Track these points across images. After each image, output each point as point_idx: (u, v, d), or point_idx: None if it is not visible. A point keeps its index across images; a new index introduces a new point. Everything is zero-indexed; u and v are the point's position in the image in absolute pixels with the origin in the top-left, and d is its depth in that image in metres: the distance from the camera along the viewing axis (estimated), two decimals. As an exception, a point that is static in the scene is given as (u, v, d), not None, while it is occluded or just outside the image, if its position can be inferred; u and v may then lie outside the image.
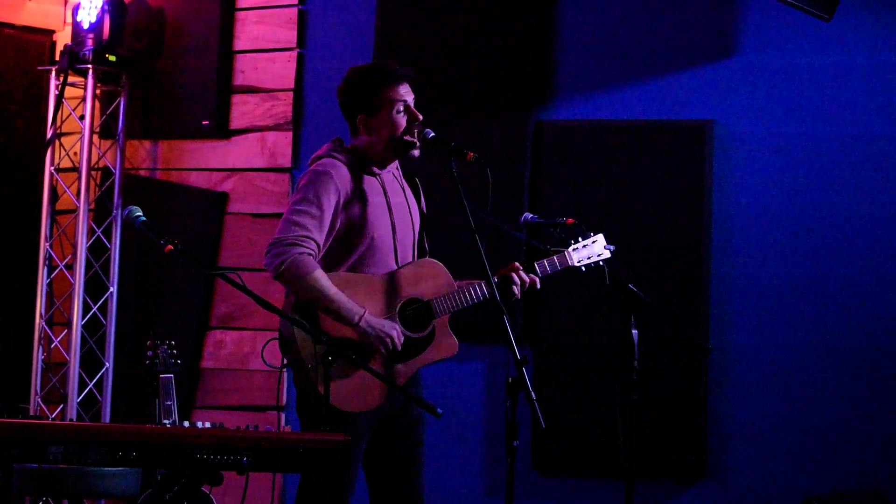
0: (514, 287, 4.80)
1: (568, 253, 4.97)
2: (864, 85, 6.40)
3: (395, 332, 4.69)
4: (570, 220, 5.03)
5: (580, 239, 5.01)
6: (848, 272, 6.36)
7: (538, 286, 4.85)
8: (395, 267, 4.81)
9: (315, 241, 4.65)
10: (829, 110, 6.42)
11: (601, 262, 5.02)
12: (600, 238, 5.03)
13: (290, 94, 7.08)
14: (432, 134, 4.77)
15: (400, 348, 4.70)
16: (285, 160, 7.03)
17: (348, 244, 4.76)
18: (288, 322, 4.62)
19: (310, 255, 4.63)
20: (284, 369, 4.75)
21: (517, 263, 4.83)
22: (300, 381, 4.69)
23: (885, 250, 6.33)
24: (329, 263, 4.74)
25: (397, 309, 4.76)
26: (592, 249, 5.02)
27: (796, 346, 6.38)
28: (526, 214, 5.18)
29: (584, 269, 5.01)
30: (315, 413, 4.60)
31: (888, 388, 6.27)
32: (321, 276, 4.62)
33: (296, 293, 4.66)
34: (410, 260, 4.88)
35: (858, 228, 6.36)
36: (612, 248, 5.04)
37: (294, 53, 7.11)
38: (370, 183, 4.81)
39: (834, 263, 6.37)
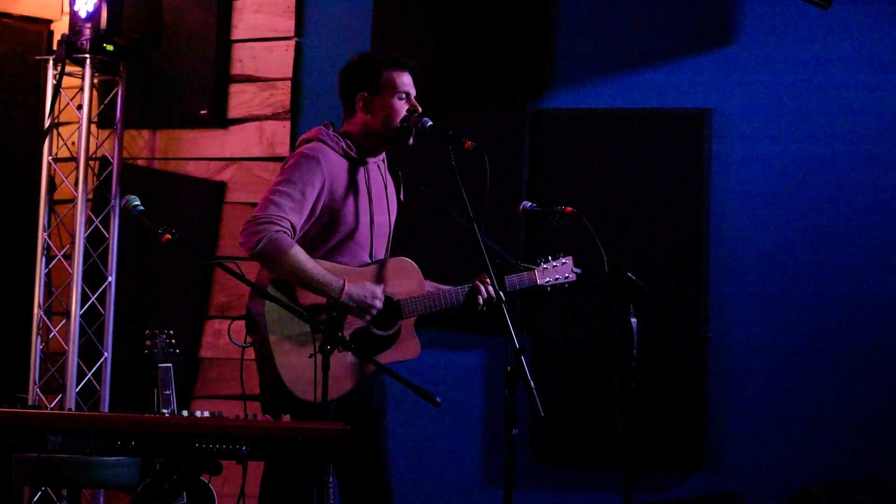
0: (481, 298, 4.84)
1: (537, 272, 5.07)
2: (862, 73, 6.40)
3: (378, 299, 4.68)
4: (569, 209, 5.04)
5: (550, 259, 5.11)
6: (847, 260, 6.36)
7: (504, 299, 4.85)
8: (368, 260, 4.81)
9: (290, 222, 4.64)
10: (826, 98, 6.42)
11: (566, 285, 5.14)
12: (569, 260, 5.15)
13: (288, 83, 7.08)
14: (430, 123, 4.75)
15: (381, 307, 4.69)
16: (283, 149, 7.03)
17: (326, 232, 4.75)
18: (258, 301, 4.60)
19: (285, 233, 4.61)
20: (246, 349, 4.71)
21: (485, 276, 4.83)
22: (262, 365, 4.68)
23: (885, 238, 6.33)
24: (305, 249, 4.70)
25: None
26: (560, 271, 5.13)
27: (795, 335, 6.39)
28: (525, 203, 5.18)
29: (549, 289, 5.13)
30: (273, 400, 4.62)
31: (887, 376, 6.28)
32: (299, 252, 4.61)
33: (273, 271, 4.64)
34: (384, 253, 4.88)
35: (857, 216, 6.36)
36: (579, 271, 5.15)
37: (292, 42, 7.10)
38: (355, 171, 4.79)
39: (833, 252, 6.37)
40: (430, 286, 4.88)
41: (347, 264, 4.75)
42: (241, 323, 4.76)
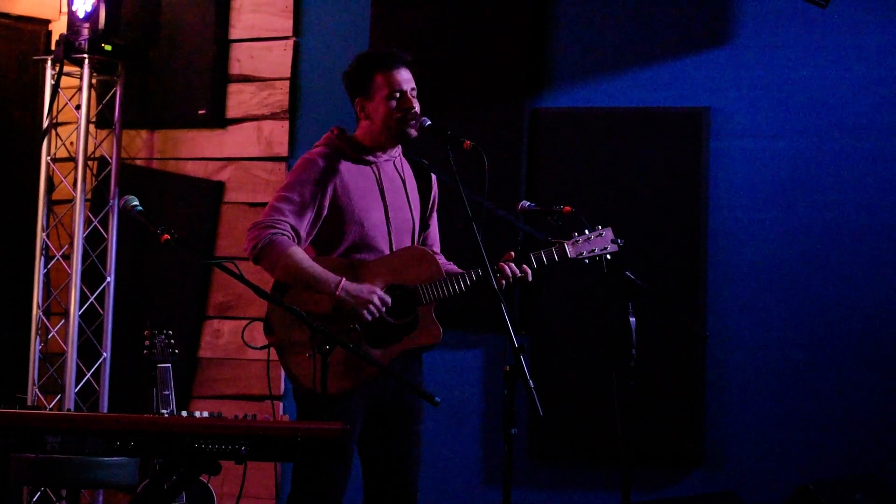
0: (504, 281, 4.74)
1: (567, 245, 4.85)
2: (859, 71, 6.40)
3: (376, 295, 4.66)
4: (568, 208, 4.99)
5: (586, 231, 4.88)
6: (845, 258, 6.36)
7: (529, 278, 4.77)
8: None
9: (291, 225, 4.67)
10: (824, 97, 6.42)
11: (608, 256, 4.88)
12: (607, 232, 4.90)
13: (287, 82, 7.08)
14: (429, 122, 4.74)
15: (384, 309, 4.68)
16: (281, 149, 7.03)
17: (338, 231, 4.76)
18: (275, 306, 4.64)
19: (284, 235, 4.65)
20: (267, 350, 4.74)
21: (511, 254, 4.80)
22: (281, 364, 4.73)
23: (882, 236, 6.33)
24: (320, 251, 4.75)
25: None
26: (597, 242, 4.88)
27: (793, 333, 6.39)
28: (523, 202, 5.14)
29: (587, 261, 4.88)
30: (299, 397, 4.70)
31: (885, 375, 6.28)
32: (295, 252, 4.64)
33: (273, 273, 4.69)
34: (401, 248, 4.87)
35: (855, 215, 6.37)
36: (621, 242, 4.89)
37: (290, 42, 7.10)
38: (363, 171, 4.80)
39: (831, 250, 6.37)
40: (448, 273, 4.83)
41: (366, 260, 4.76)
42: (256, 325, 4.78)
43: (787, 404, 6.37)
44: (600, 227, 4.92)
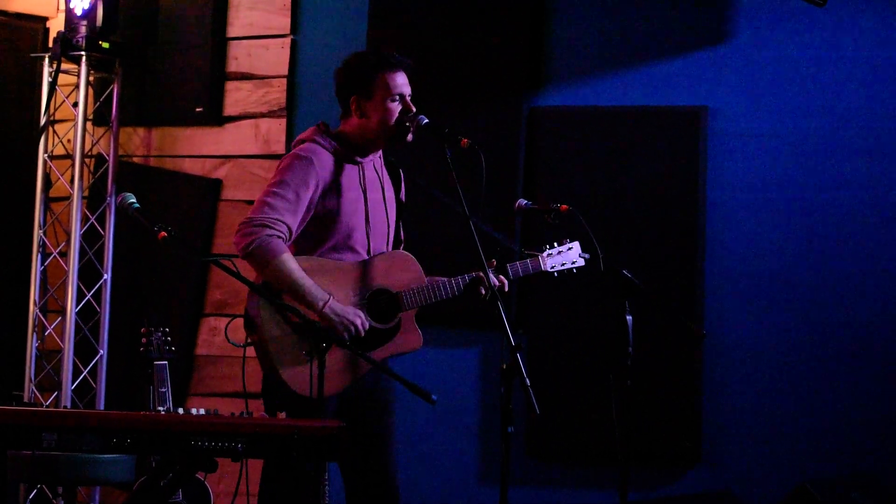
0: (483, 288, 4.78)
1: (542, 258, 4.97)
2: (857, 70, 6.41)
3: (360, 319, 4.67)
4: (565, 207, 5.02)
5: (556, 245, 5.02)
6: (842, 258, 6.36)
7: (506, 289, 4.81)
8: (367, 257, 4.80)
9: (286, 225, 4.65)
10: (822, 96, 6.43)
11: (574, 270, 5.04)
12: (576, 245, 5.05)
13: (284, 80, 7.08)
14: (426, 121, 4.74)
15: (363, 335, 4.69)
16: (279, 147, 7.03)
17: (321, 231, 4.75)
18: (254, 302, 4.63)
19: (279, 237, 4.63)
20: (245, 348, 4.73)
21: (494, 261, 4.80)
22: (262, 364, 4.70)
23: (879, 236, 6.33)
24: (301, 249, 4.73)
25: (366, 298, 4.75)
26: (567, 256, 5.03)
27: (791, 332, 6.39)
28: (520, 201, 5.15)
29: (556, 274, 5.03)
30: (274, 396, 4.66)
31: (882, 374, 6.28)
32: (288, 260, 4.62)
33: (262, 274, 4.66)
34: (384, 251, 4.87)
35: (852, 214, 6.37)
36: (587, 256, 5.04)
37: (287, 40, 7.10)
38: (349, 172, 4.80)
39: (828, 249, 6.38)
40: (429, 280, 4.87)
41: (345, 261, 4.75)
42: (238, 322, 4.78)
43: (784, 403, 6.37)
44: (569, 241, 5.05)
